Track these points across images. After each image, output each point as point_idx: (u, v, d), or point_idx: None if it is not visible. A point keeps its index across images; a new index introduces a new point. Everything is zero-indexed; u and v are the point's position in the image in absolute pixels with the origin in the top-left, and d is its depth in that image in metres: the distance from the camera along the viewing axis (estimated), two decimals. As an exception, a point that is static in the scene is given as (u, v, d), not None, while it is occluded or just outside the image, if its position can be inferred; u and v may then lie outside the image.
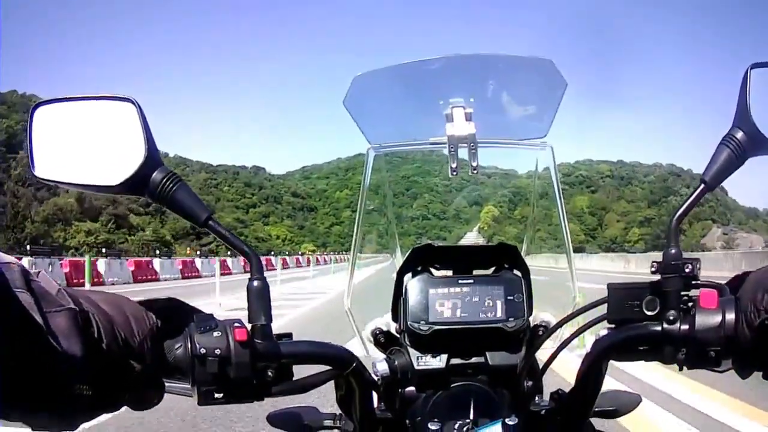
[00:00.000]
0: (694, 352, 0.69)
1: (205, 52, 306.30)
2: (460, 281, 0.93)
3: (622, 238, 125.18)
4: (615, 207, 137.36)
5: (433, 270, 0.97)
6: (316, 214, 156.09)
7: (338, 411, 0.94)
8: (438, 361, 0.92)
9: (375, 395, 0.88)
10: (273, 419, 0.95)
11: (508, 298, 0.91)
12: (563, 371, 1.02)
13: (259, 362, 0.67)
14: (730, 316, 0.67)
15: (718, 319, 0.67)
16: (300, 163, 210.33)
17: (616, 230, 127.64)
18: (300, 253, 64.61)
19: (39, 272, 0.56)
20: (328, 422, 0.96)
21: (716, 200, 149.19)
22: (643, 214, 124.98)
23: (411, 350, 0.92)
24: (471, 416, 0.84)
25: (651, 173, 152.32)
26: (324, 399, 0.89)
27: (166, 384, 0.67)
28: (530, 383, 0.91)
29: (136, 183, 0.68)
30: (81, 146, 0.69)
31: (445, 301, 0.91)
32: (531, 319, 0.93)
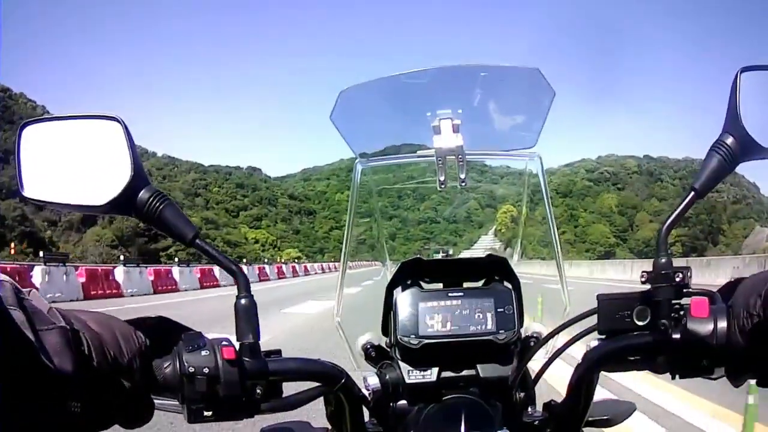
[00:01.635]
0: (687, 362, 0.69)
1: (210, 51, 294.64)
2: (449, 294, 0.94)
3: (656, 240, 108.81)
4: (646, 206, 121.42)
5: (422, 283, 0.98)
6: (314, 217, 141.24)
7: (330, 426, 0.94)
8: (429, 375, 0.93)
9: (366, 410, 0.89)
10: None
11: (499, 310, 0.93)
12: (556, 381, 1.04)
13: (248, 380, 0.68)
14: (722, 324, 0.67)
15: (710, 327, 0.67)
16: (301, 167, 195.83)
17: (650, 231, 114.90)
18: (267, 261, 48.87)
19: (30, 290, 0.57)
20: None
21: (753, 197, 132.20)
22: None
23: (402, 364, 0.94)
24: (463, 429, 0.85)
25: (682, 168, 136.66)
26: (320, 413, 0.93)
27: (156, 402, 0.69)
28: (522, 395, 0.92)
29: (123, 202, 0.69)
30: (68, 166, 0.70)
31: (435, 315, 0.93)
32: (522, 330, 0.95)
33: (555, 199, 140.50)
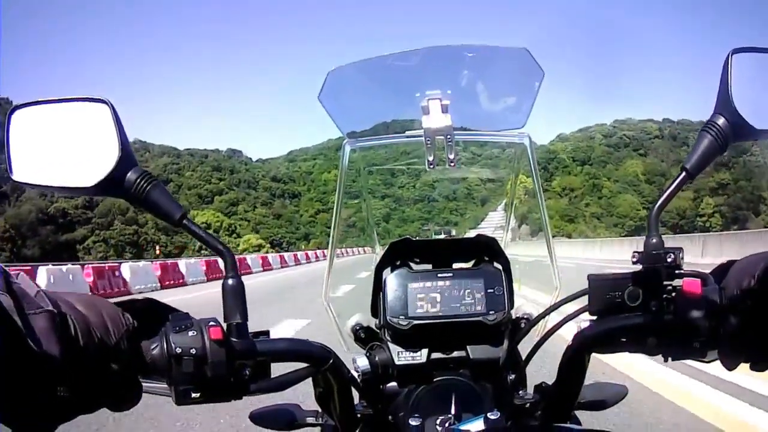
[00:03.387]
0: (679, 344, 0.70)
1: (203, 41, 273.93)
2: (439, 275, 0.96)
3: (693, 212, 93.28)
4: (675, 173, 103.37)
5: (412, 264, 1.00)
6: (299, 200, 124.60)
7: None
8: (419, 356, 0.95)
9: (356, 392, 0.92)
10: (256, 417, 0.97)
11: (489, 290, 0.94)
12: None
13: (236, 361, 0.69)
14: (715, 306, 0.68)
15: (702, 309, 0.68)
16: (288, 149, 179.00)
17: (684, 201, 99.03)
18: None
19: (18, 274, 0.59)
20: (310, 419, 0.98)
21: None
22: (715, 179, 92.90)
23: (391, 345, 0.96)
24: (453, 411, 0.87)
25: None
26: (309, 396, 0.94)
27: (144, 384, 0.70)
28: (513, 376, 0.95)
29: (111, 184, 0.70)
30: (57, 148, 0.71)
31: (424, 296, 0.95)
32: (513, 311, 0.97)
33: (573, 168, 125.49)
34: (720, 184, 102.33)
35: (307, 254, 45.50)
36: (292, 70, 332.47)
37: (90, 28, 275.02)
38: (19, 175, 0.70)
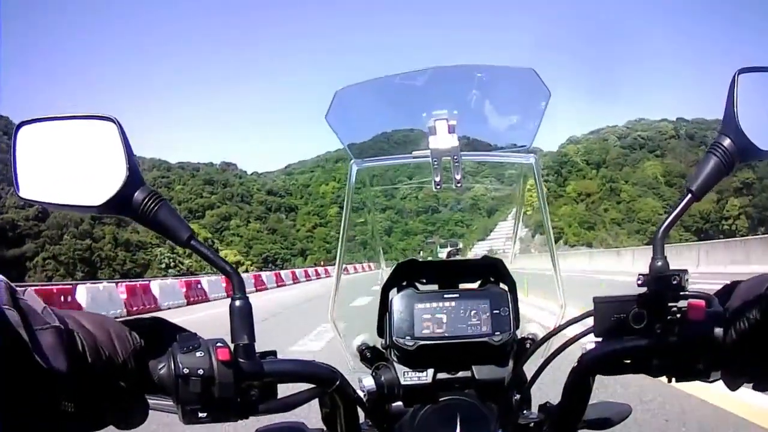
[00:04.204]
0: (682, 365, 0.72)
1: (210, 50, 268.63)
2: (445, 296, 0.98)
3: (717, 214, 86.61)
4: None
5: (418, 285, 1.03)
6: (296, 214, 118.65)
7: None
8: (424, 376, 0.97)
9: (361, 411, 0.94)
10: None
11: (494, 311, 0.96)
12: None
13: (243, 381, 0.70)
14: (718, 328, 0.70)
15: (706, 330, 0.70)
16: (285, 162, 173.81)
17: (707, 203, 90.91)
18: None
19: (25, 290, 0.59)
20: None
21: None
22: (739, 178, 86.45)
23: (397, 365, 0.98)
24: (458, 431, 0.89)
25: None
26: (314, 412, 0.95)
27: (151, 402, 0.71)
28: (518, 396, 0.95)
29: (119, 203, 0.70)
30: (64, 166, 0.72)
31: (430, 316, 0.96)
32: (518, 332, 1.00)
33: (587, 171, 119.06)
34: (744, 183, 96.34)
35: (293, 273, 38.62)
36: (293, 83, 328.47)
37: (76, 33, 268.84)
38: (25, 192, 0.70)
